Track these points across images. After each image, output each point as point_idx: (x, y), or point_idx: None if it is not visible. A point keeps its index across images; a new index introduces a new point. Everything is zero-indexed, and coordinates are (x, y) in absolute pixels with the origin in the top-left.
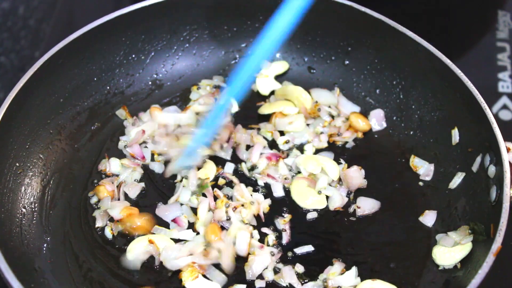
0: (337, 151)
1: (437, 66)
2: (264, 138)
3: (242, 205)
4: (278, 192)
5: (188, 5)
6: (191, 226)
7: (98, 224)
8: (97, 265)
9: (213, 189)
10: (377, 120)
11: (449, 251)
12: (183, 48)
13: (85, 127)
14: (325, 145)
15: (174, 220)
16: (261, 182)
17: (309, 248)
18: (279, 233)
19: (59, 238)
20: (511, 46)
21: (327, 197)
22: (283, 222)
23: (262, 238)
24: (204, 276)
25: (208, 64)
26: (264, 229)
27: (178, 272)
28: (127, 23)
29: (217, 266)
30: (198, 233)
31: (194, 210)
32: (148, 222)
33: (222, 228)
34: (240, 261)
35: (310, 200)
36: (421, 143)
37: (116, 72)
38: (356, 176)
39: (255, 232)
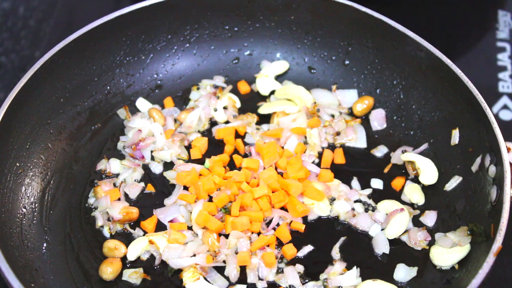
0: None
1: (437, 66)
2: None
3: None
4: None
5: (188, 5)
6: (189, 227)
7: (99, 224)
8: (97, 265)
9: None
10: (377, 120)
11: (447, 252)
12: (183, 48)
13: (85, 127)
14: (326, 145)
15: (171, 221)
16: None
17: (309, 248)
18: None
19: (59, 238)
20: (511, 46)
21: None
22: (285, 223)
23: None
24: (205, 278)
25: (208, 64)
26: (265, 230)
27: (178, 272)
28: (127, 23)
29: (219, 269)
30: (196, 235)
31: None
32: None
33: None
34: None
35: (316, 204)
36: (421, 143)
37: (117, 72)
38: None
39: (254, 236)
